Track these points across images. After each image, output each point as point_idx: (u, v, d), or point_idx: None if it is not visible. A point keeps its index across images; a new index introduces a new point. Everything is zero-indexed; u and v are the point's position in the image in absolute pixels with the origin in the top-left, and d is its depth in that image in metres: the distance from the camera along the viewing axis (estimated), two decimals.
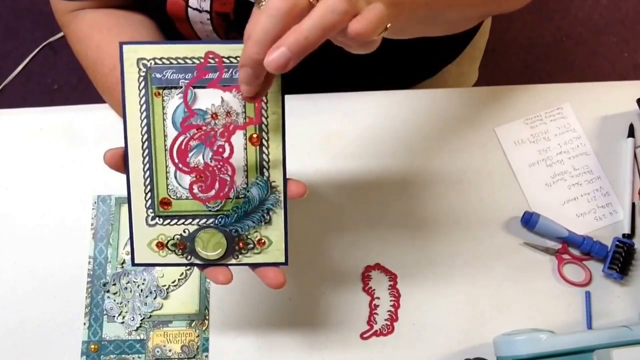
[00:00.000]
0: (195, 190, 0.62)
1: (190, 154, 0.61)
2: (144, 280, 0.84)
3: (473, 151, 0.89)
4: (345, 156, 0.89)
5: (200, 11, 0.80)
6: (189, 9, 0.80)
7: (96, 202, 0.87)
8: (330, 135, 0.90)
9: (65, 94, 1.98)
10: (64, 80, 1.99)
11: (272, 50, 0.49)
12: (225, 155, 0.61)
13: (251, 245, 0.64)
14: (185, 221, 0.63)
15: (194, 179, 0.62)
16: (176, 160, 0.61)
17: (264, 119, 0.61)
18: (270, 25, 0.49)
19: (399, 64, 1.02)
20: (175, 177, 0.62)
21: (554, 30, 2.03)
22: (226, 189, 0.62)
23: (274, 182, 0.62)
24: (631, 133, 0.89)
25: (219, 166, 0.61)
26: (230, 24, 0.81)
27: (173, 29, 0.86)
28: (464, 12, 0.81)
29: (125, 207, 0.86)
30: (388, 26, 0.53)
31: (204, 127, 0.60)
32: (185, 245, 0.64)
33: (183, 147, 0.61)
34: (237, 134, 0.61)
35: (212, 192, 0.62)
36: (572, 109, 0.91)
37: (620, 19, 2.02)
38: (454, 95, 0.93)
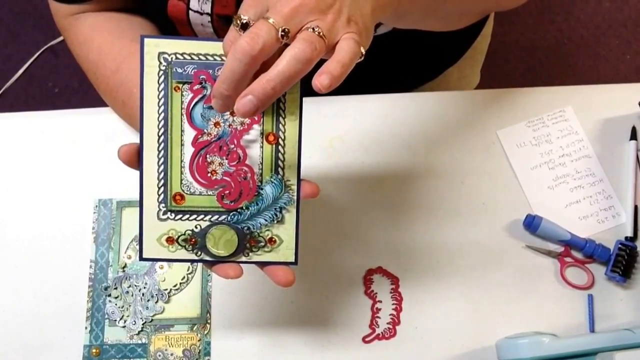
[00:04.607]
0: (225, 201, 0.63)
1: (209, 168, 0.62)
2: (146, 284, 0.83)
3: (475, 154, 0.89)
4: (347, 159, 0.89)
5: (201, 14, 0.80)
6: (190, 11, 0.80)
7: (97, 206, 0.86)
8: (332, 139, 0.89)
9: (66, 97, 1.98)
10: (65, 84, 1.99)
11: (241, 96, 0.51)
12: (240, 159, 0.62)
13: (262, 244, 0.64)
14: (198, 217, 0.63)
15: (220, 190, 0.63)
16: (199, 178, 0.62)
17: (281, 119, 0.61)
18: (237, 67, 0.51)
19: (401, 67, 1.02)
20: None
21: (556, 32, 2.02)
22: (250, 191, 0.62)
23: (289, 181, 0.63)
24: (633, 136, 0.89)
25: (238, 171, 0.62)
26: None
27: (174, 32, 0.86)
28: (464, 6, 0.81)
29: (126, 211, 0.86)
30: (363, 52, 0.54)
31: (221, 123, 0.61)
32: (196, 241, 0.64)
33: (200, 163, 0.62)
34: (251, 133, 0.62)
35: (239, 197, 0.62)
36: (574, 112, 0.91)
37: (622, 22, 2.02)
38: (456, 98, 0.93)
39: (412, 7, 0.68)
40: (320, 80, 0.51)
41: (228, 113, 0.61)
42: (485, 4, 0.86)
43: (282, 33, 0.51)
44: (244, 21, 0.52)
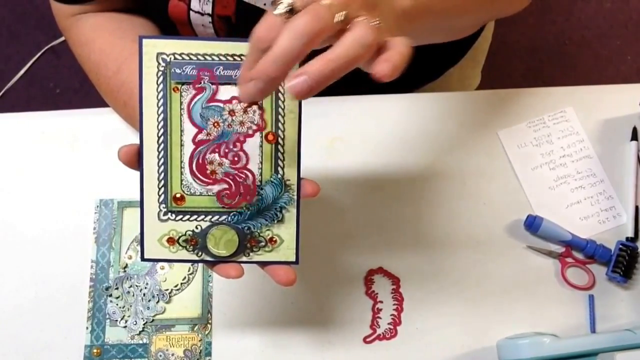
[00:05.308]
0: (225, 199, 0.63)
1: (208, 167, 0.62)
2: (147, 284, 0.83)
3: (476, 154, 0.89)
4: (349, 160, 0.89)
5: (202, 14, 0.80)
6: (190, 12, 0.80)
7: (98, 206, 0.86)
8: (334, 139, 0.89)
9: (67, 97, 1.98)
10: (66, 84, 1.99)
11: (295, 76, 0.47)
12: (242, 163, 0.62)
13: (263, 243, 0.64)
14: (198, 217, 0.63)
15: (220, 190, 0.63)
16: (199, 176, 0.62)
17: (280, 117, 0.61)
18: (294, 46, 0.47)
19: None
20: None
21: (557, 33, 2.02)
22: (249, 195, 0.62)
23: (289, 180, 0.63)
24: (634, 136, 0.89)
25: (239, 173, 0.62)
26: (232, 27, 0.81)
27: (175, 32, 0.86)
28: (470, 20, 0.81)
29: (127, 211, 0.86)
30: None
31: (220, 123, 0.61)
32: (197, 242, 0.64)
33: (200, 161, 0.62)
34: (253, 135, 0.61)
35: (238, 198, 0.62)
36: (575, 112, 0.91)
37: (623, 22, 2.02)
38: (457, 98, 0.93)
39: (417, 30, 0.67)
40: (382, 67, 0.48)
41: (227, 114, 0.61)
42: (488, 15, 0.86)
43: (342, 18, 0.48)
44: (290, 7, 0.48)
